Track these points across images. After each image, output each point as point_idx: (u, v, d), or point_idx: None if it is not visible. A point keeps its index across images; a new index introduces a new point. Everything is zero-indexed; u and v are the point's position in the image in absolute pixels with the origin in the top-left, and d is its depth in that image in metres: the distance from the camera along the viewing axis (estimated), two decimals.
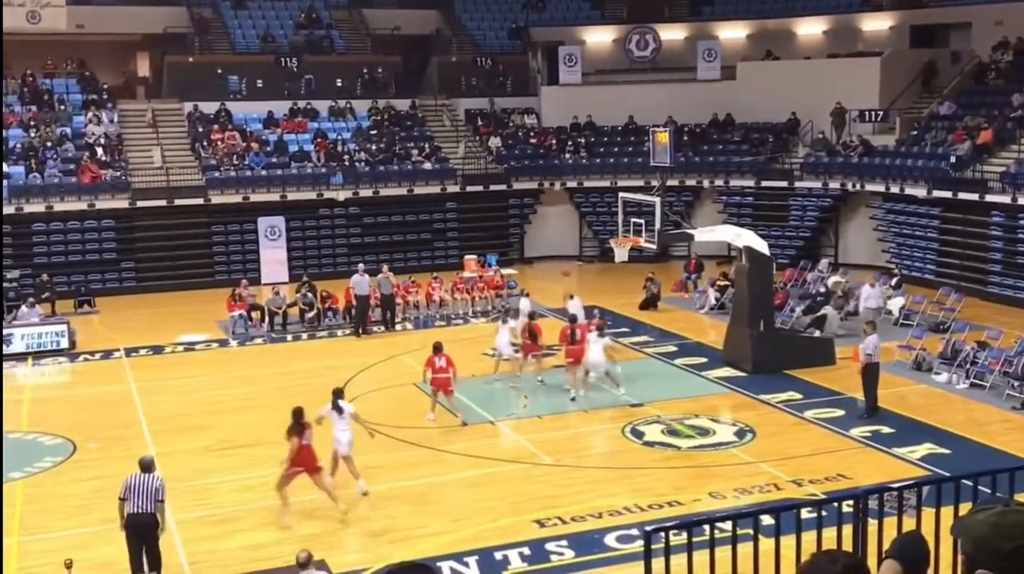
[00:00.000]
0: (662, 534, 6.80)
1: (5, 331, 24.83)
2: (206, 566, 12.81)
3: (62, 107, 35.67)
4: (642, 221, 23.98)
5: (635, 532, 13.38)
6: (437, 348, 18.63)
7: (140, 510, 12.19)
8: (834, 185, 33.72)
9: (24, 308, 26.22)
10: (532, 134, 39.12)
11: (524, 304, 23.89)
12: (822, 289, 27.50)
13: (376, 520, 14.18)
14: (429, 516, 14.28)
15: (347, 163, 35.53)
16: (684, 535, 6.77)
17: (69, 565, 10.31)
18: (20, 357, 24.24)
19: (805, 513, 7.29)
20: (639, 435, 17.57)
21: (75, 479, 16.18)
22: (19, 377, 23.11)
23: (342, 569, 12.53)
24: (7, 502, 15.09)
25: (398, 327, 26.69)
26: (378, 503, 14.76)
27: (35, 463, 16.89)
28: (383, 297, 26.59)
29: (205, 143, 35.26)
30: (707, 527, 7.10)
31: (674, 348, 23.87)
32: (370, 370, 22.31)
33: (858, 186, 33.08)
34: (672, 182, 32.23)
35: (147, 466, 12.51)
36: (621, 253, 25.10)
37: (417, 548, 13.16)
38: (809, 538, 6.81)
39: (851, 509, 7.33)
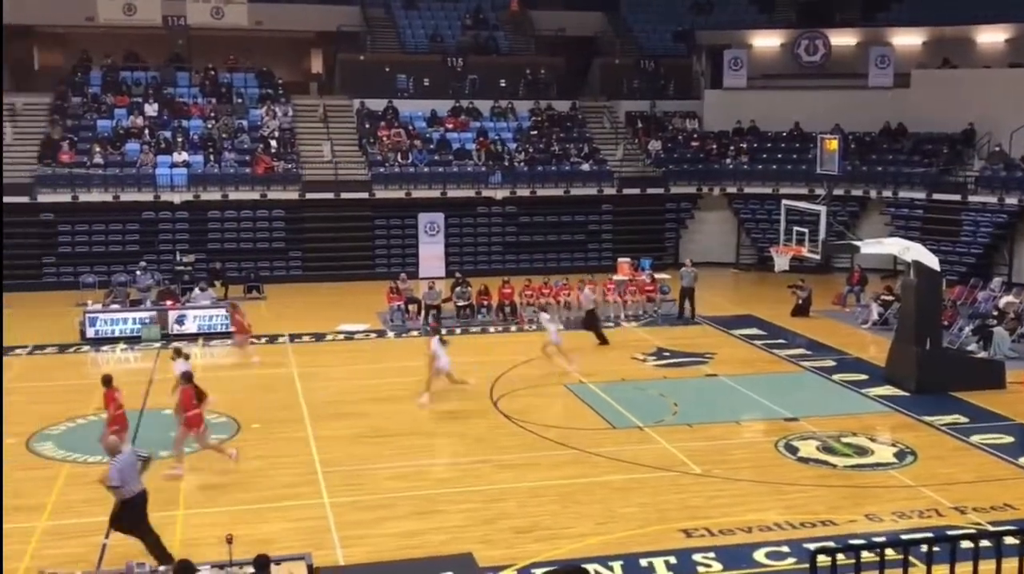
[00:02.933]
0: (824, 554, 6.62)
1: (179, 312, 26.18)
2: (358, 550, 13.17)
3: (240, 100, 37.32)
4: (805, 230, 23.36)
5: (786, 549, 13.08)
6: None
7: (137, 488, 12.62)
8: (1011, 201, 32.04)
9: (197, 291, 27.58)
10: (693, 138, 38.68)
11: None
12: (993, 310, 26.20)
13: (522, 517, 14.29)
14: (575, 517, 14.30)
15: (506, 163, 35.93)
16: (845, 556, 6.57)
17: (230, 540, 10.70)
18: (192, 337, 25.51)
19: (965, 544, 6.97)
20: (793, 450, 17.15)
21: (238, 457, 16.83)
22: (191, 356, 24.27)
23: (488, 564, 12.69)
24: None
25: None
26: (525, 500, 14.89)
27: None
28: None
29: (372, 139, 36.28)
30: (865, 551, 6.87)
31: (832, 363, 23.18)
32: (519, 368, 22.48)
33: None
34: (838, 191, 31.27)
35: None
36: (782, 262, 24.52)
37: (563, 548, 13.21)
38: (964, 570, 6.50)
39: (1017, 542, 6.98)
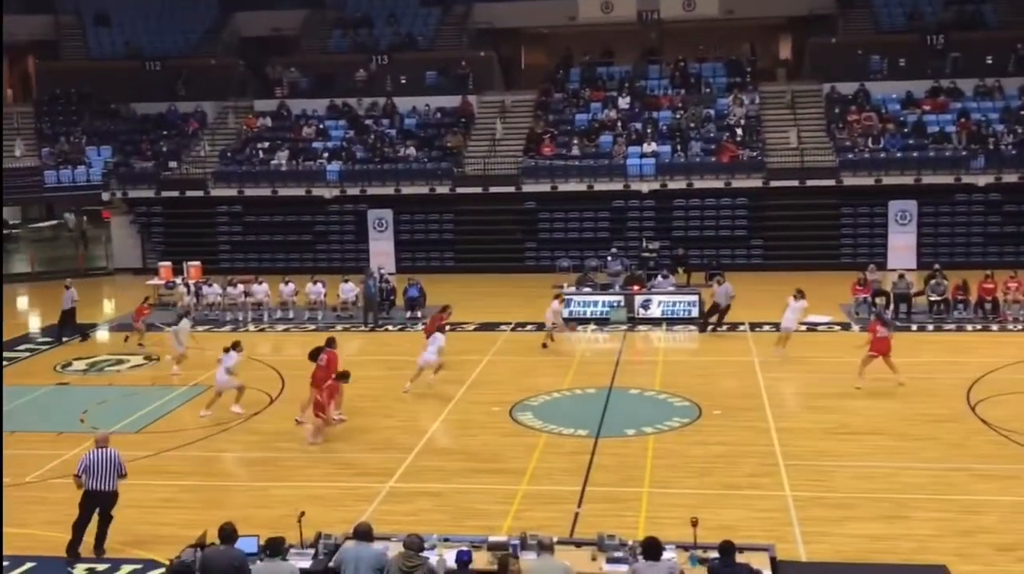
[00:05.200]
0: None
1: (644, 297, 27.21)
2: (820, 547, 12.91)
3: (708, 90, 37.85)
4: None
5: None
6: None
7: (100, 487, 12.80)
8: None
9: (659, 278, 28.48)
10: None
11: None
12: None
13: (1004, 533, 13.17)
14: None
15: (991, 146, 33.01)
16: None
17: (695, 523, 10.95)
18: (656, 322, 26.42)
19: None
20: None
21: (700, 442, 17.23)
22: (654, 340, 25.23)
23: None
24: (640, 453, 16.66)
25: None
26: (1008, 515, 13.70)
27: (665, 422, 18.30)
28: None
29: (841, 124, 35.10)
30: None
31: None
32: (1002, 371, 20.62)
33: None
34: None
35: (103, 442, 13.16)
36: None
37: None
38: None
39: None
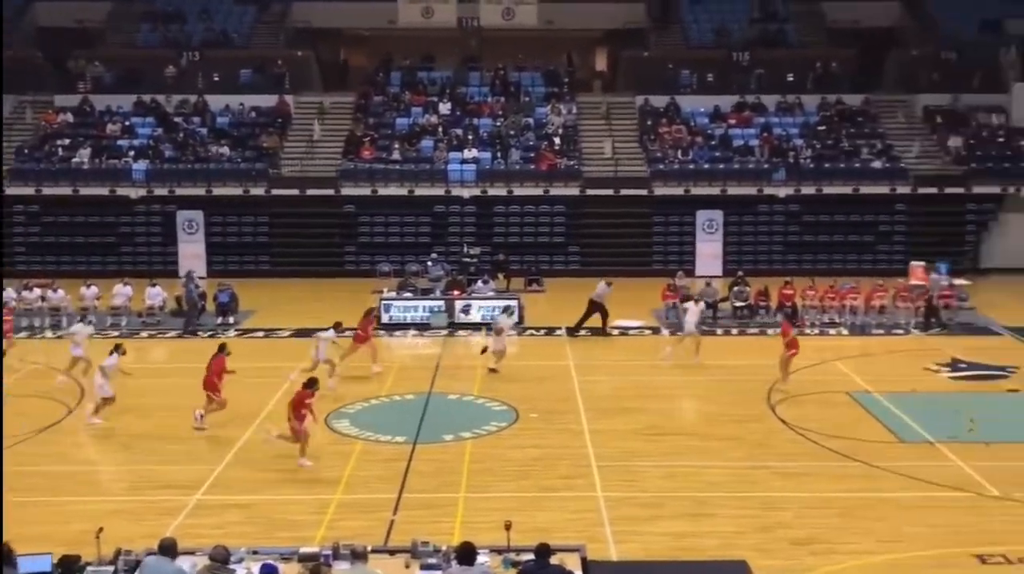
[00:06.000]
0: None
1: (465, 302, 27.29)
2: (629, 546, 13.21)
3: (527, 99, 38.38)
4: None
5: None
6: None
7: None
8: None
9: (480, 283, 28.64)
10: (999, 134, 35.89)
11: None
12: None
13: (800, 528, 13.84)
14: (857, 533, 13.67)
15: (791, 159, 34.85)
16: None
17: (509, 526, 11.03)
18: (475, 327, 26.54)
19: None
20: None
21: (516, 445, 17.40)
22: (473, 345, 25.29)
23: (763, 573, 12.36)
24: (457, 458, 16.66)
25: (832, 332, 25.86)
26: (803, 511, 14.40)
27: (483, 426, 18.39)
28: None
29: (652, 136, 36.26)
30: None
31: None
32: (800, 373, 21.76)
33: None
34: None
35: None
36: None
37: (842, 564, 12.68)
38: None
39: None
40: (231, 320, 26.69)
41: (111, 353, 18.77)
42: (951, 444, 17.16)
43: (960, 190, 34.16)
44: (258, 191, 34.42)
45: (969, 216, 34.63)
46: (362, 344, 21.97)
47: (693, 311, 23.12)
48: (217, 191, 34.08)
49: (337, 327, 21.34)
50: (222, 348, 18.93)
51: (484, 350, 22.03)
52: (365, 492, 15.22)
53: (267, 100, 37.85)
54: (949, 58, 38.15)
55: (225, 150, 35.27)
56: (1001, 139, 35.59)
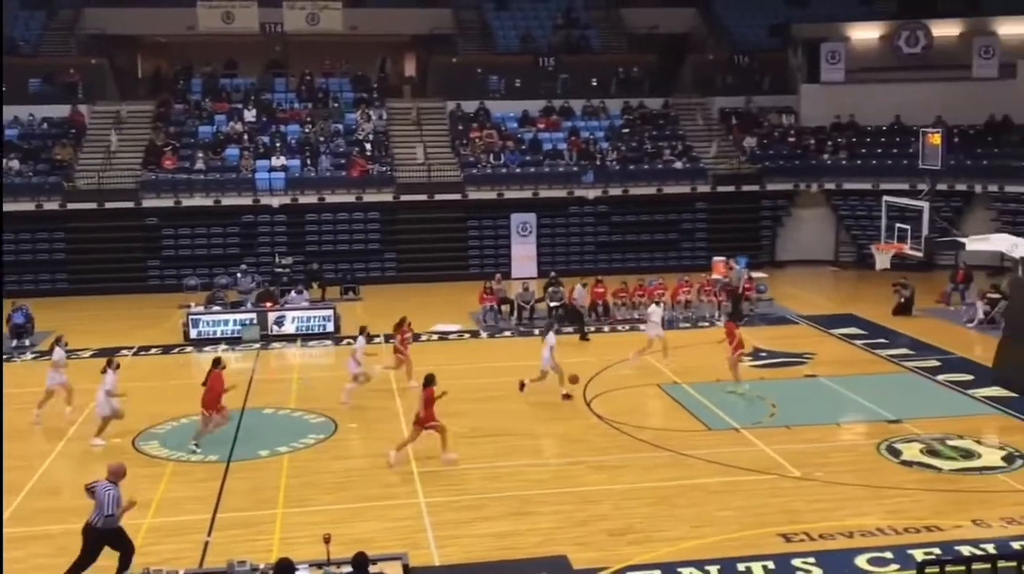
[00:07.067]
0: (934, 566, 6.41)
1: (278, 314, 26.69)
2: (452, 550, 13.24)
3: (335, 105, 37.91)
4: (907, 227, 22.77)
5: (889, 555, 12.75)
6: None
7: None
8: None
9: (293, 293, 28.09)
10: (789, 134, 37.98)
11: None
12: None
13: (617, 519, 14.20)
14: (670, 520, 14.16)
15: (598, 162, 35.79)
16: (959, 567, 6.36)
17: (327, 540, 10.83)
18: (290, 338, 26.01)
19: None
20: (896, 453, 16.70)
21: (336, 457, 17.15)
22: (288, 357, 24.80)
23: (583, 566, 12.62)
24: (274, 473, 16.26)
25: (642, 327, 26.65)
26: (619, 503, 14.79)
27: (300, 439, 18.03)
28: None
29: (464, 141, 36.50)
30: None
31: (936, 363, 22.51)
32: (612, 368, 22.37)
33: None
34: (941, 186, 30.34)
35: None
36: (883, 260, 23.96)
37: (657, 551, 13.09)
38: None
39: None
40: (27, 342, 25.20)
41: (105, 370, 18.09)
42: (755, 430, 18.01)
43: (755, 188, 35.94)
44: (52, 206, 32.66)
45: (764, 212, 36.49)
46: (403, 355, 21.54)
47: (656, 313, 23.45)
48: (8, 207, 32.06)
49: (363, 332, 21.10)
50: (217, 362, 17.90)
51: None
52: (177, 514, 14.65)
53: (59, 110, 35.98)
54: (741, 62, 40.08)
55: (15, 163, 33.28)
56: (792, 139, 37.65)
